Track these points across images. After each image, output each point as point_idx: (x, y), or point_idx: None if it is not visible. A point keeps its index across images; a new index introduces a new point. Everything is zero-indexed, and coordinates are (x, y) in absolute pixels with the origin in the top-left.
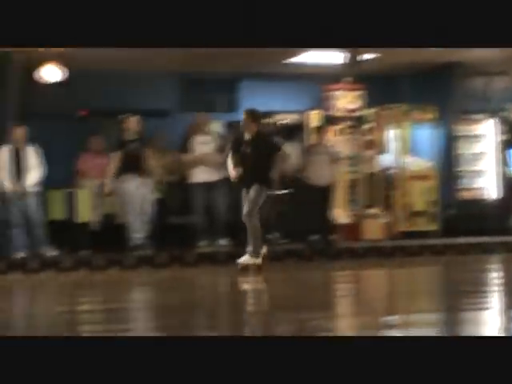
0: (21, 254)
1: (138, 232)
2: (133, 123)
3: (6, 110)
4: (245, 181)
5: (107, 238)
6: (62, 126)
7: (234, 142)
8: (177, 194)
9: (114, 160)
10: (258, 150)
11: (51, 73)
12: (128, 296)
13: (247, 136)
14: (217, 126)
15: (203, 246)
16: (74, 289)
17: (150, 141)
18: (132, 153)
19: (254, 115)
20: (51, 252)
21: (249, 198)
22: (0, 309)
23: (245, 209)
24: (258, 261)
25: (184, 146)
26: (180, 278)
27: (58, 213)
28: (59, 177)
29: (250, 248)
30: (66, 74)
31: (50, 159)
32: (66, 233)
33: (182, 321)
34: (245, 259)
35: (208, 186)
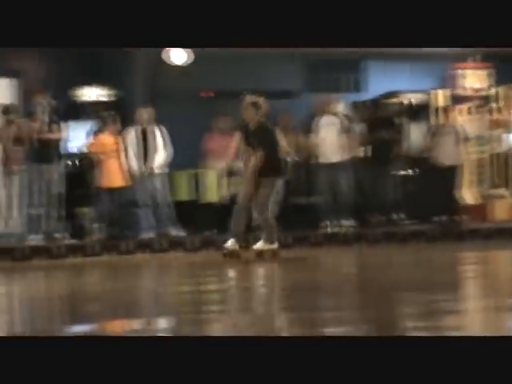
0: (148, 235)
1: None
2: None
3: (135, 92)
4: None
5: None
6: (189, 107)
7: (241, 131)
8: (302, 174)
9: (237, 140)
10: (262, 141)
11: (178, 54)
12: (252, 276)
13: (251, 126)
14: (342, 107)
15: (327, 226)
16: (199, 269)
17: (276, 121)
18: None
19: (255, 104)
20: (178, 232)
21: (258, 193)
22: (128, 288)
23: (255, 203)
24: (274, 246)
25: (309, 127)
26: (305, 258)
27: (183, 194)
28: (185, 158)
29: (264, 235)
30: (193, 56)
31: (177, 140)
32: (191, 213)
33: (306, 301)
34: (259, 245)
35: (333, 167)
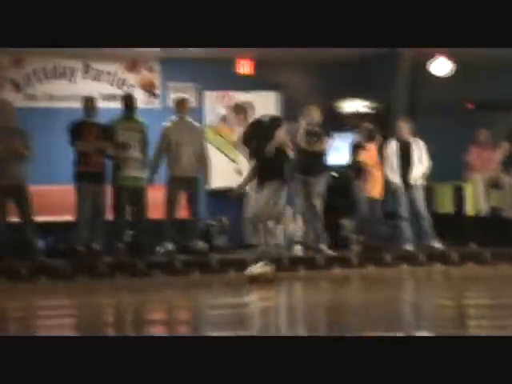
0: (407, 247)
1: None
2: None
3: (397, 104)
4: (259, 178)
5: (496, 232)
6: (451, 119)
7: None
8: None
9: (503, 152)
10: (262, 141)
11: (441, 66)
12: None
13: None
14: None
15: None
16: (461, 282)
17: None
18: None
19: (237, 108)
20: (438, 245)
21: (262, 198)
22: (388, 301)
23: (255, 210)
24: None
25: None
26: None
27: (446, 206)
28: (448, 170)
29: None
30: (455, 67)
31: (439, 152)
32: (453, 226)
33: None
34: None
35: None
